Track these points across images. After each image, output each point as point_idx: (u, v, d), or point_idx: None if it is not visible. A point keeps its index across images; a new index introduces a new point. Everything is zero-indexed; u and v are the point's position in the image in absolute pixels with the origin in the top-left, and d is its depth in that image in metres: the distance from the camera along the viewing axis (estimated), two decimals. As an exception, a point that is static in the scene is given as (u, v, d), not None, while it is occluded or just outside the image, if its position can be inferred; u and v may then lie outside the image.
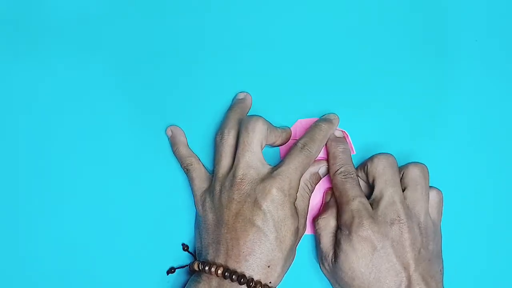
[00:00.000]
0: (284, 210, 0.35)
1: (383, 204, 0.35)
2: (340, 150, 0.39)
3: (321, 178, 0.39)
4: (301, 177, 0.37)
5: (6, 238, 0.40)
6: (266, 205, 0.34)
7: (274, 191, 0.35)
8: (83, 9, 0.43)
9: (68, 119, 0.41)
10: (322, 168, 0.38)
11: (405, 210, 0.35)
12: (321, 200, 0.40)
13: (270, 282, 0.35)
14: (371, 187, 0.38)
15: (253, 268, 0.34)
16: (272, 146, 0.40)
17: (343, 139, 0.39)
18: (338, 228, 0.36)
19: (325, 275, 0.38)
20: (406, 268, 0.34)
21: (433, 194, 0.37)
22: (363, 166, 0.38)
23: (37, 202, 0.41)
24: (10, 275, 0.40)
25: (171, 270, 0.39)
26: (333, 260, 0.36)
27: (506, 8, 0.42)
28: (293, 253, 0.37)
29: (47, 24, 0.43)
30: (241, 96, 0.41)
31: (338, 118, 0.40)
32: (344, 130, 0.40)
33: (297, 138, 0.40)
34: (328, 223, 0.37)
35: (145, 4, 0.43)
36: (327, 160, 0.39)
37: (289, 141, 0.40)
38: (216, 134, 0.39)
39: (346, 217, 0.36)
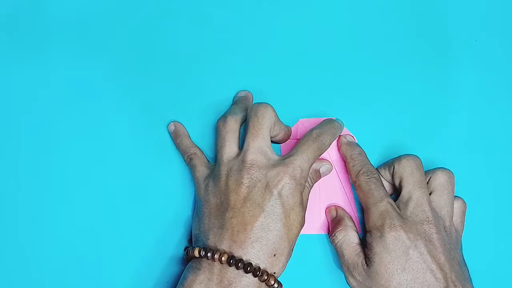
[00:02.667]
0: (294, 198, 0.34)
1: (411, 205, 0.35)
2: (357, 152, 0.39)
3: (321, 177, 0.39)
4: (311, 165, 0.36)
5: (7, 238, 0.40)
6: (277, 191, 0.34)
7: (286, 179, 0.34)
8: (83, 9, 0.43)
9: (69, 117, 0.42)
10: (323, 167, 0.38)
11: (432, 212, 0.35)
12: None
13: (274, 272, 0.33)
14: (395, 187, 0.38)
15: (259, 256, 0.33)
16: (272, 139, 0.39)
17: (356, 144, 0.39)
18: (368, 232, 0.36)
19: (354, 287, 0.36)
20: (442, 268, 0.34)
21: (458, 204, 0.37)
22: (388, 166, 0.38)
23: (40, 196, 0.41)
24: (11, 275, 0.40)
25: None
26: (365, 266, 0.35)
27: (506, 8, 0.42)
28: (294, 245, 0.36)
29: (47, 24, 0.43)
30: (242, 94, 0.41)
31: (343, 124, 0.40)
32: (352, 135, 0.40)
33: (299, 138, 0.41)
34: (347, 234, 0.37)
35: (146, 3, 0.43)
36: (345, 165, 0.39)
37: (289, 140, 0.41)
38: (218, 120, 0.38)
39: (375, 219, 0.35)
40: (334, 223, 0.39)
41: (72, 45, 0.43)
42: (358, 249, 0.36)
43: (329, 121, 0.38)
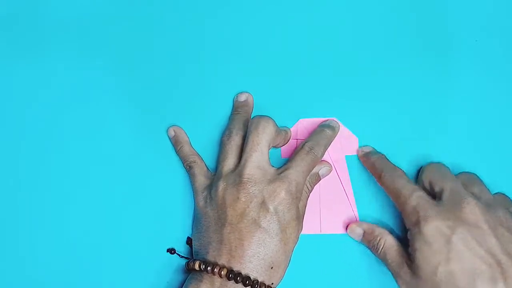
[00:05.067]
0: (290, 213, 0.35)
1: (446, 194, 0.34)
2: (374, 160, 0.39)
3: (320, 179, 0.39)
4: (306, 178, 0.37)
5: (6, 238, 0.40)
6: (273, 207, 0.34)
7: (283, 194, 0.35)
8: (84, 9, 0.43)
9: (69, 117, 0.42)
10: (322, 169, 0.39)
11: (471, 195, 0.34)
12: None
13: (272, 283, 0.34)
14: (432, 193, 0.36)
15: (257, 270, 0.33)
16: (275, 147, 0.40)
17: (372, 152, 0.39)
18: (408, 230, 0.35)
19: None
20: (493, 253, 0.31)
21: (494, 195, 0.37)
22: (418, 181, 0.38)
23: (39, 198, 0.41)
24: (10, 275, 0.40)
25: (171, 251, 0.39)
26: (410, 264, 0.34)
27: (506, 8, 0.42)
28: (291, 254, 0.37)
29: (48, 24, 0.43)
30: (242, 98, 0.41)
31: (339, 125, 0.40)
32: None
33: (298, 138, 0.41)
34: (386, 240, 0.36)
35: (147, 5, 0.43)
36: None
37: (290, 141, 0.41)
38: (223, 134, 0.39)
39: (410, 216, 0.34)
40: (367, 238, 0.38)
41: (72, 45, 0.43)
42: (400, 249, 0.35)
43: (320, 131, 0.39)
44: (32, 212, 0.41)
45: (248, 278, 0.33)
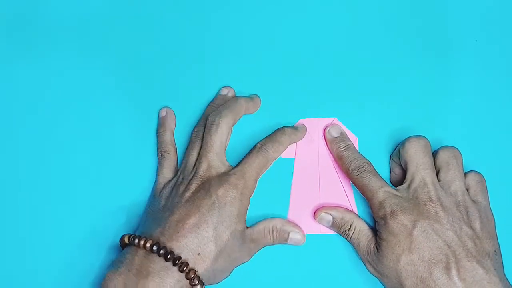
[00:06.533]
0: (231, 207, 0.35)
1: (413, 187, 0.36)
2: (342, 149, 0.39)
3: (286, 242, 0.38)
4: (258, 177, 0.37)
5: (5, 235, 0.40)
6: (216, 195, 0.35)
7: (227, 186, 0.35)
8: (84, 9, 0.43)
9: (70, 119, 0.42)
10: (294, 234, 0.38)
11: (436, 191, 0.35)
12: (319, 207, 0.40)
13: (196, 269, 0.33)
14: (405, 171, 0.37)
15: (182, 250, 0.33)
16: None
17: (342, 137, 0.40)
18: (376, 222, 0.37)
19: (372, 274, 0.37)
20: (449, 245, 0.34)
21: (471, 176, 0.37)
22: (397, 152, 0.38)
23: (39, 198, 0.41)
24: (9, 275, 0.40)
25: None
26: (376, 251, 0.36)
27: (506, 8, 0.42)
28: (234, 257, 0.36)
29: (48, 24, 0.43)
30: (223, 91, 0.41)
31: (305, 128, 0.40)
32: (338, 121, 0.41)
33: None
34: (357, 225, 0.38)
35: (147, 5, 0.43)
36: (336, 163, 0.40)
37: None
38: (193, 129, 0.40)
39: (377, 210, 0.36)
40: (337, 224, 0.38)
41: (72, 45, 0.43)
42: (370, 235, 0.37)
43: (278, 130, 0.39)
44: (32, 210, 0.41)
45: (172, 253, 0.33)
